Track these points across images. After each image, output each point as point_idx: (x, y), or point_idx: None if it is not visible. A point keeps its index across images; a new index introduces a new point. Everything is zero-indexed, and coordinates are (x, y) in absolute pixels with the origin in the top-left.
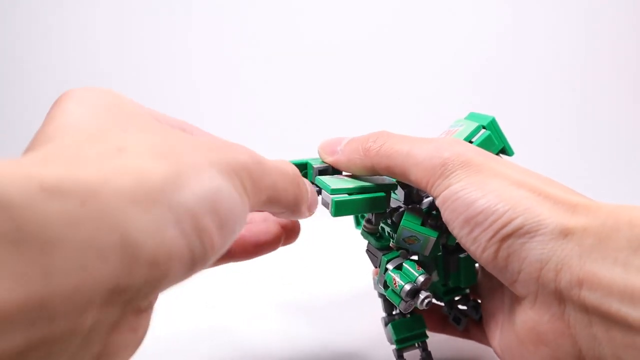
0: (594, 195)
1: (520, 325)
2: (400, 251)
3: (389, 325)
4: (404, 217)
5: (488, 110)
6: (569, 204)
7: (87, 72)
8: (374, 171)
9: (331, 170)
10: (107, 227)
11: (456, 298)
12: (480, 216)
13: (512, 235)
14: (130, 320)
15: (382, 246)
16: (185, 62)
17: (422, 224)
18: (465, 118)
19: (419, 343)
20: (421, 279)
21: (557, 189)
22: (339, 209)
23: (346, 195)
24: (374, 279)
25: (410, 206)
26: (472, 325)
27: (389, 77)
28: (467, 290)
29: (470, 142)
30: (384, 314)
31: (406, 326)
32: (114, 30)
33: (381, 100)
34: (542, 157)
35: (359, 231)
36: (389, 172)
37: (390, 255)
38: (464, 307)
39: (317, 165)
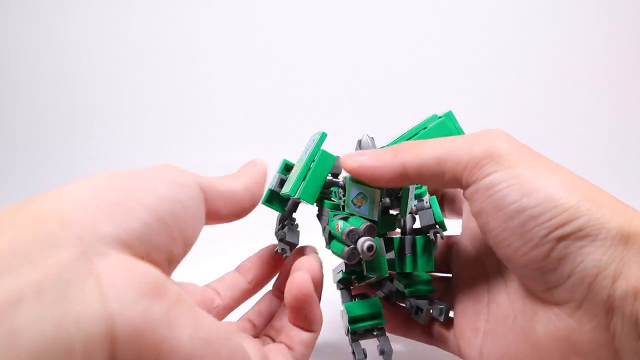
0: None
1: (546, 334)
2: None
3: (343, 305)
4: (350, 176)
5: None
6: (625, 211)
7: (90, 71)
8: (402, 173)
9: None
10: None
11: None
12: (537, 209)
13: (570, 236)
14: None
15: (332, 206)
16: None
17: None
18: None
19: (377, 331)
20: (364, 225)
21: (609, 196)
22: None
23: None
24: (332, 272)
25: None
26: (440, 329)
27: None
28: (432, 287)
29: (425, 127)
30: (342, 308)
31: (361, 306)
32: (112, 29)
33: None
34: None
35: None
36: (421, 167)
37: (338, 212)
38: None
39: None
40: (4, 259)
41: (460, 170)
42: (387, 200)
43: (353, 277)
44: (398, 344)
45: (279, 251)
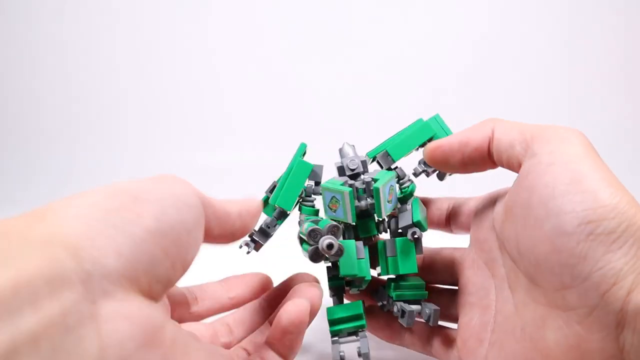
0: None
1: (556, 342)
2: None
3: (327, 309)
4: (325, 181)
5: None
6: None
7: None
8: (490, 135)
9: None
10: None
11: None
12: (579, 196)
13: (599, 236)
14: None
15: (310, 212)
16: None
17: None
18: None
19: (359, 334)
20: (328, 225)
21: None
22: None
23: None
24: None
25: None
26: (440, 341)
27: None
28: (424, 292)
29: None
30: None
31: (340, 309)
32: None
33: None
34: None
35: None
36: (508, 130)
37: (312, 217)
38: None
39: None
40: (5, 299)
41: (532, 141)
42: (363, 203)
43: (345, 285)
44: (395, 351)
45: (242, 245)
